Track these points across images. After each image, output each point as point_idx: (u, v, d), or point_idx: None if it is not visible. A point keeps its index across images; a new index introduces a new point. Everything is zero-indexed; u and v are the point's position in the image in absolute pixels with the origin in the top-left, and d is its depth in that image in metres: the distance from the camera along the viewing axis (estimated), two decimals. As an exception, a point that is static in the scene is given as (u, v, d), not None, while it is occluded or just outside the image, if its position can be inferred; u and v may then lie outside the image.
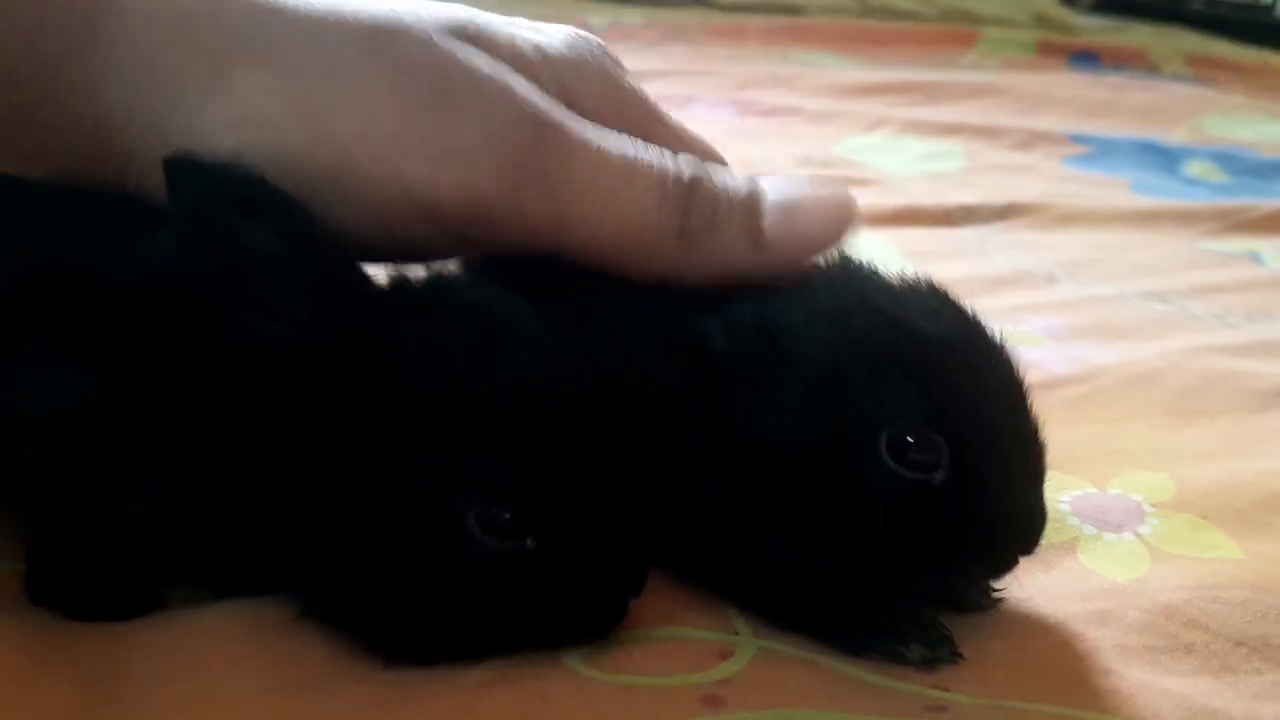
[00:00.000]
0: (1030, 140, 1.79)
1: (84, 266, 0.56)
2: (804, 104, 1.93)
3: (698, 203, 0.57)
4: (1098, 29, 2.84)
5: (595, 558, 0.53)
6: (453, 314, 0.54)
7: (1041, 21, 2.81)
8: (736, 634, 0.57)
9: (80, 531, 0.56)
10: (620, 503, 0.54)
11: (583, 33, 0.64)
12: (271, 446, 0.53)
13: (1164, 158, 1.81)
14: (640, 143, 0.59)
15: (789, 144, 1.71)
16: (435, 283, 0.58)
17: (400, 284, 0.58)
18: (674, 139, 0.65)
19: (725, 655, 0.54)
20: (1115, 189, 1.62)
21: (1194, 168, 1.77)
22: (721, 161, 0.67)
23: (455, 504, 0.50)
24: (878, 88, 2.07)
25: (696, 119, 1.85)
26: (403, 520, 0.51)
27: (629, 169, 0.57)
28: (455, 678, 0.51)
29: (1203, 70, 2.45)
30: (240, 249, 0.52)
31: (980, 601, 0.60)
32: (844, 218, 0.60)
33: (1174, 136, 1.92)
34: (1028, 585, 0.62)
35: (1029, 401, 0.58)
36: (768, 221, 0.58)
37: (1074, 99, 2.09)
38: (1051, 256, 1.25)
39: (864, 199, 1.41)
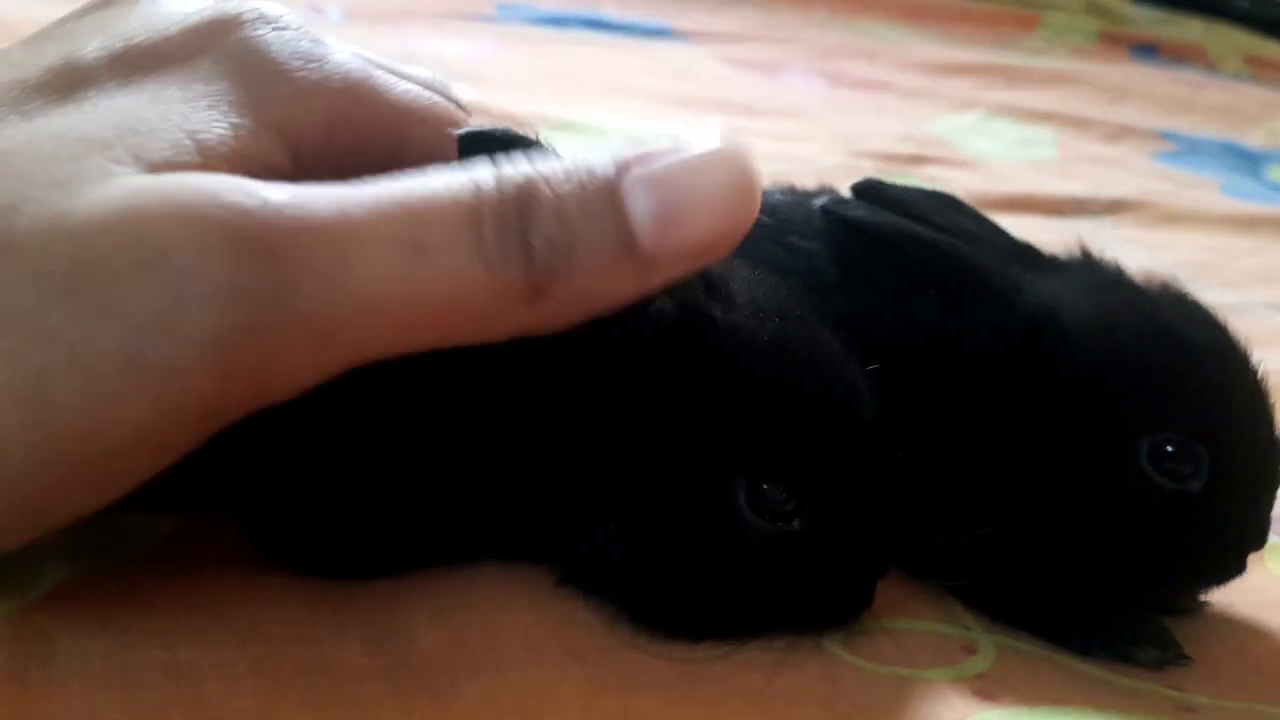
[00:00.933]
0: (1119, 133, 1.79)
1: None
2: (894, 79, 1.93)
3: (539, 220, 0.39)
4: (1151, 21, 2.84)
5: (853, 542, 0.54)
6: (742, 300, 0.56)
7: (1093, 8, 2.80)
8: (968, 629, 0.58)
9: (332, 486, 0.56)
10: (881, 489, 0.55)
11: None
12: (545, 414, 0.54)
13: (1247, 160, 1.82)
14: (412, 173, 0.39)
15: (885, 119, 1.71)
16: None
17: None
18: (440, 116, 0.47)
19: (970, 650, 0.56)
20: (1206, 189, 1.63)
21: (1276, 173, 1.78)
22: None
23: (728, 479, 0.52)
24: (963, 67, 2.06)
25: (789, 89, 1.88)
26: (674, 492, 0.52)
27: (410, 215, 0.37)
28: (741, 657, 0.52)
29: (1261, 71, 2.46)
30: None
31: (1191, 605, 0.63)
32: (745, 195, 0.44)
33: (1252, 139, 1.93)
34: (1224, 593, 0.64)
35: (1272, 411, 0.60)
36: (637, 217, 0.40)
37: (1152, 93, 2.09)
38: (1167, 257, 1.26)
39: (970, 183, 1.46)
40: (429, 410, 0.53)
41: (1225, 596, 0.63)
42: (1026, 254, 0.64)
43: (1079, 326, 0.58)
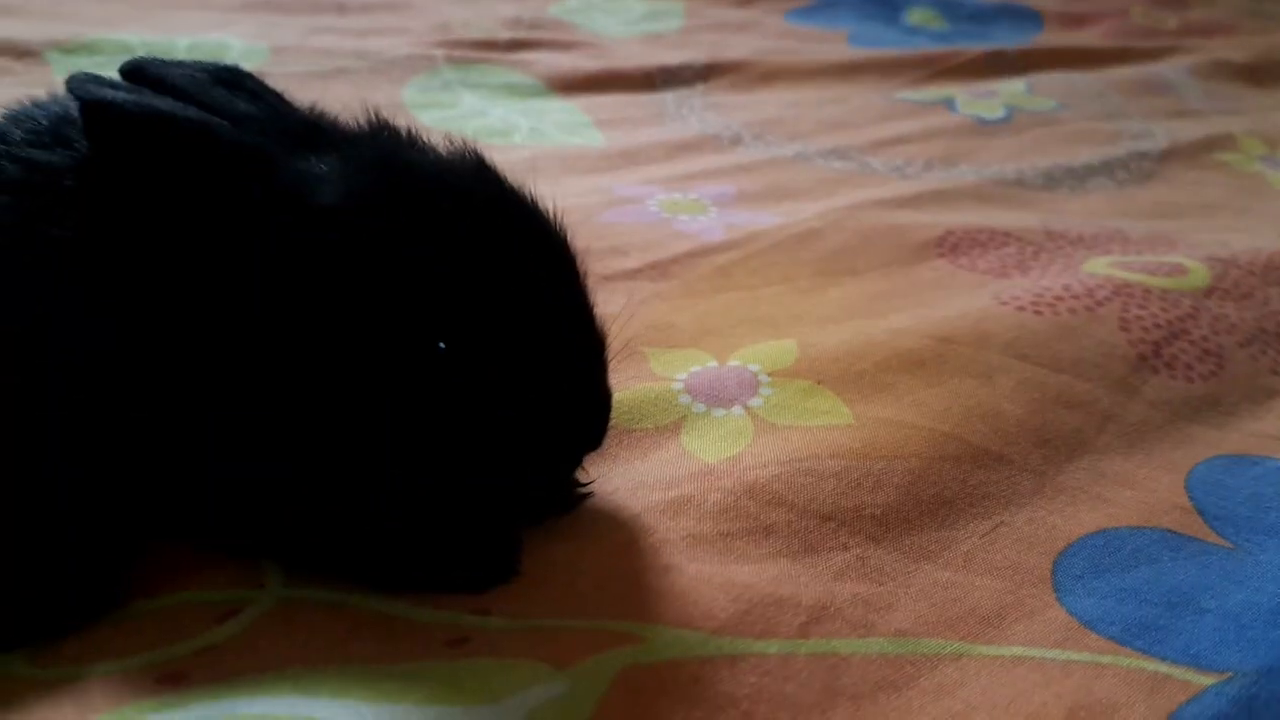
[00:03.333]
0: (752, -5, 1.73)
1: None
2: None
3: None
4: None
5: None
6: None
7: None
8: (261, 587, 0.49)
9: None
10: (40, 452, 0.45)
11: None
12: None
13: (886, 7, 1.76)
14: None
15: (499, 5, 1.60)
16: None
17: None
18: None
19: (227, 617, 0.47)
20: (832, 43, 1.57)
21: (915, 15, 1.74)
22: None
23: None
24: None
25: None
26: None
27: None
28: None
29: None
30: None
31: (564, 503, 0.55)
32: None
33: (900, -16, 1.89)
34: (618, 476, 0.57)
35: (583, 288, 0.52)
36: None
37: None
38: (743, 118, 1.19)
39: (566, 63, 1.37)
40: None
41: (615, 482, 0.56)
42: (306, 131, 0.55)
43: (329, 212, 0.48)
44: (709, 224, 0.89)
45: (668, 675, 0.44)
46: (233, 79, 0.57)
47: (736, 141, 1.12)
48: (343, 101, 0.59)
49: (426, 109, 1.18)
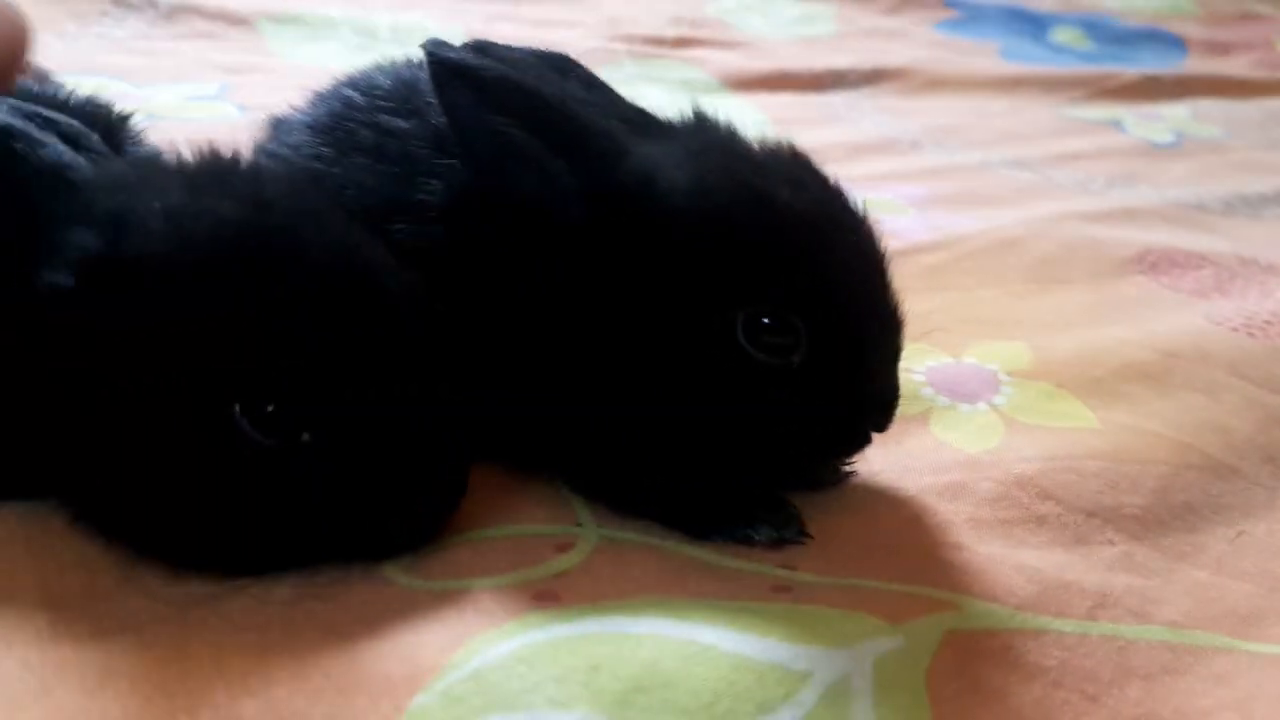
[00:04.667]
0: (900, 5, 1.75)
1: None
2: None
3: None
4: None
5: (392, 456, 0.47)
6: (214, 182, 0.49)
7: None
8: (580, 525, 0.53)
9: None
10: (417, 395, 0.48)
11: None
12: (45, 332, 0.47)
13: (1032, 24, 1.79)
14: None
15: (662, 2, 1.64)
16: (204, 162, 0.52)
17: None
18: None
19: (565, 548, 0.51)
20: (984, 55, 1.60)
21: (1061, 34, 1.76)
22: None
23: (218, 395, 0.45)
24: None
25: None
26: (168, 416, 0.45)
27: None
28: (261, 590, 0.46)
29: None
30: None
31: (830, 478, 0.58)
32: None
33: (1043, 3, 1.90)
34: (879, 460, 0.60)
35: (889, 277, 0.55)
36: None
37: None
38: (918, 123, 1.22)
39: (732, 62, 1.40)
40: None
41: (878, 465, 0.59)
42: (636, 119, 0.58)
43: (673, 194, 0.52)
44: (911, 224, 0.92)
45: (984, 642, 0.47)
46: (563, 65, 0.61)
47: (916, 146, 1.15)
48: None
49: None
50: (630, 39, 1.44)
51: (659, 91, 1.27)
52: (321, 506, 0.47)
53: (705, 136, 0.56)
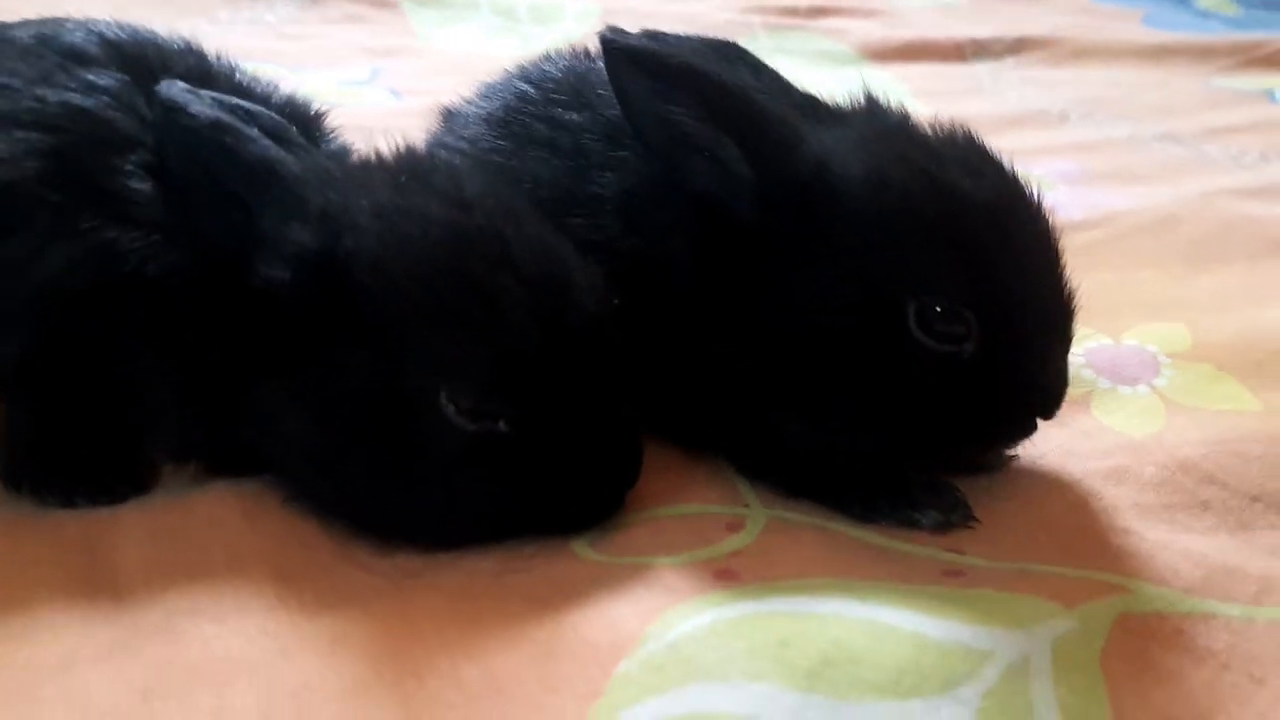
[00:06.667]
0: (1042, -31, 1.72)
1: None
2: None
3: None
4: None
5: (580, 442, 0.51)
6: (417, 181, 0.52)
7: None
8: (746, 506, 0.55)
9: (69, 410, 0.54)
10: (602, 385, 0.52)
11: None
12: (255, 321, 0.51)
13: (1177, -11, 1.74)
14: None
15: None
16: (404, 159, 0.56)
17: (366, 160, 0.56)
18: None
19: (735, 528, 0.53)
20: (1128, 21, 1.56)
21: (1206, 0, 1.71)
22: None
23: (427, 384, 0.49)
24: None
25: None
26: (381, 401, 0.49)
27: None
28: (466, 564, 0.50)
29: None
30: None
31: (994, 462, 0.60)
32: None
33: (1187, -34, 1.85)
34: (1042, 443, 0.60)
35: (1062, 266, 0.56)
36: None
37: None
38: (1065, 94, 1.21)
39: (871, 32, 1.40)
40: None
41: (1041, 449, 0.60)
42: (808, 105, 0.60)
43: (848, 182, 0.53)
44: (1063, 201, 0.92)
45: (1155, 625, 0.48)
46: (731, 53, 0.62)
47: (1064, 118, 1.14)
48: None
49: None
50: (764, 9, 1.45)
51: (796, 64, 1.28)
52: (517, 487, 0.50)
53: (879, 122, 0.58)
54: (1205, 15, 1.66)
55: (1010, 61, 1.32)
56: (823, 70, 1.28)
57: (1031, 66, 1.31)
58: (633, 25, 1.35)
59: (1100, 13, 1.58)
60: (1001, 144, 1.02)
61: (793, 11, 1.46)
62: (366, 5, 1.35)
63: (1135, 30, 1.51)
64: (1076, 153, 1.04)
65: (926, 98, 1.20)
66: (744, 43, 1.37)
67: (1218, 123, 1.14)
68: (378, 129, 0.77)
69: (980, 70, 1.29)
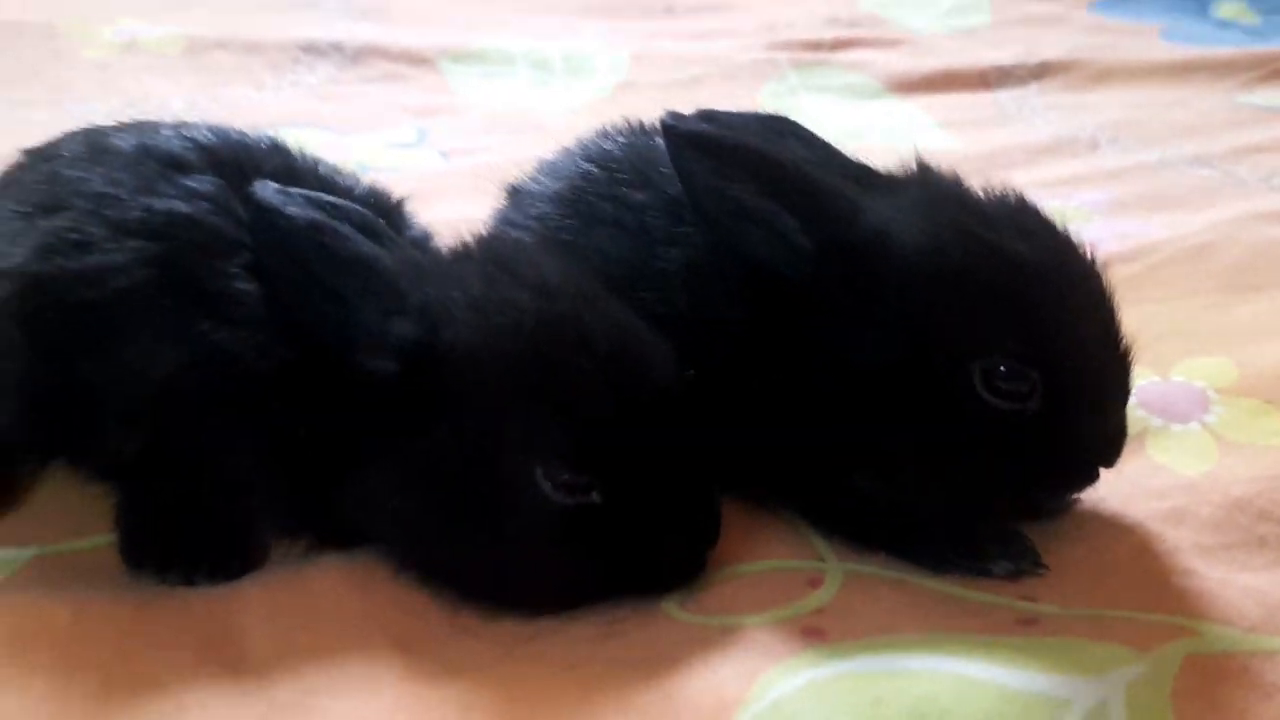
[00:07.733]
0: (1056, -15, 1.74)
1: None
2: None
3: None
4: None
5: (664, 504, 0.54)
6: (504, 271, 0.56)
7: None
8: (822, 560, 0.59)
9: (187, 494, 0.58)
10: (679, 450, 0.55)
11: None
12: (357, 408, 0.55)
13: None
14: None
15: (815, 3, 1.67)
16: (487, 248, 0.59)
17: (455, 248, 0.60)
18: None
19: (815, 583, 0.57)
20: (1146, 37, 1.58)
21: (1225, 9, 1.72)
22: None
23: (523, 463, 0.53)
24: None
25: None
26: (481, 480, 0.53)
27: None
28: (569, 630, 0.53)
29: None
30: None
31: (1058, 506, 0.62)
32: None
33: (1202, -26, 1.87)
34: (1101, 486, 0.63)
35: (1118, 320, 0.59)
36: None
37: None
38: (1092, 119, 1.23)
39: (895, 64, 1.43)
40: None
41: (1101, 492, 0.63)
42: (861, 174, 0.63)
43: (908, 251, 0.56)
44: (1098, 234, 0.94)
45: (1222, 664, 0.51)
46: (786, 128, 0.66)
47: (1094, 145, 1.16)
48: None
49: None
50: (789, 45, 1.48)
51: (826, 100, 1.31)
52: (611, 553, 0.54)
53: (932, 189, 0.61)
54: (1225, 25, 1.67)
55: (1035, 87, 1.35)
56: (852, 104, 1.31)
57: (1055, 92, 1.34)
58: (664, 70, 1.39)
59: (1117, 29, 1.60)
60: (1034, 175, 1.08)
61: (816, 46, 1.49)
62: (405, 64, 1.39)
63: (1155, 47, 1.53)
64: (1108, 181, 1.06)
65: (955, 129, 1.23)
66: (774, 82, 1.41)
67: (1245, 141, 1.16)
68: (432, 192, 0.81)
69: (1005, 98, 1.32)
